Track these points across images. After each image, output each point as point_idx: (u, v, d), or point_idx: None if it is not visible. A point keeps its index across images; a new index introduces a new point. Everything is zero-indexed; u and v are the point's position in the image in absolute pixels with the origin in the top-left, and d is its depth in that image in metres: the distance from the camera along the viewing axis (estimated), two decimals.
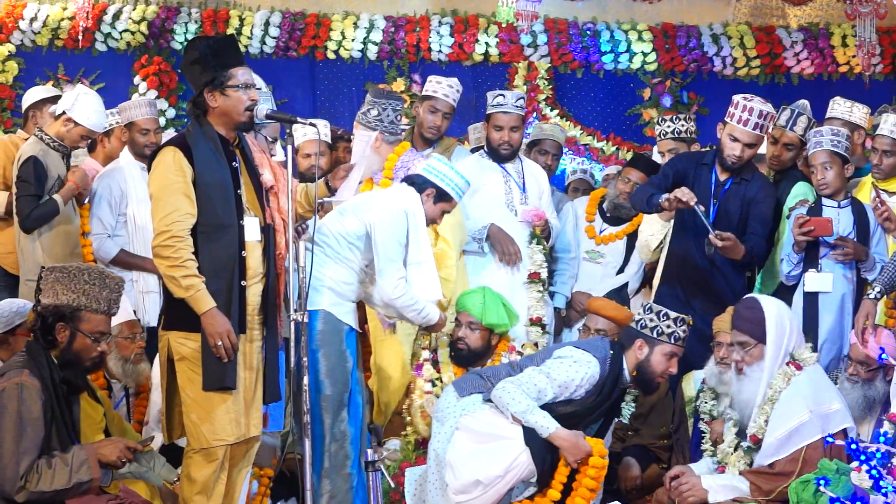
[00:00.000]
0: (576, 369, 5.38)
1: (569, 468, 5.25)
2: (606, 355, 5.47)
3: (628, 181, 7.57)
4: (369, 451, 5.05)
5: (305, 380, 4.96)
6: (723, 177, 6.41)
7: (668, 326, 5.48)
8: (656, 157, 7.55)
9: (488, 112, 7.08)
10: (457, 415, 5.41)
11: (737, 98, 6.35)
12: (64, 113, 6.73)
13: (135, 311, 6.56)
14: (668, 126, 7.16)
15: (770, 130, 6.48)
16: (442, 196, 5.89)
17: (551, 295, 7.28)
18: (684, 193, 6.06)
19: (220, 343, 4.72)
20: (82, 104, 6.76)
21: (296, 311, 4.96)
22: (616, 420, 6.08)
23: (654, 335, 5.47)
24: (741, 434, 5.23)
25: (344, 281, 5.68)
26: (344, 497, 5.55)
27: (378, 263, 5.65)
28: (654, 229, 6.94)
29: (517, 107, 7.02)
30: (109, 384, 6.15)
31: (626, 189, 7.54)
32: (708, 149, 7.04)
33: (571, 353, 5.45)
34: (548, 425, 5.23)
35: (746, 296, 5.40)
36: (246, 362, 4.89)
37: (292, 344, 5.00)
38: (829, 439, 4.64)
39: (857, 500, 4.31)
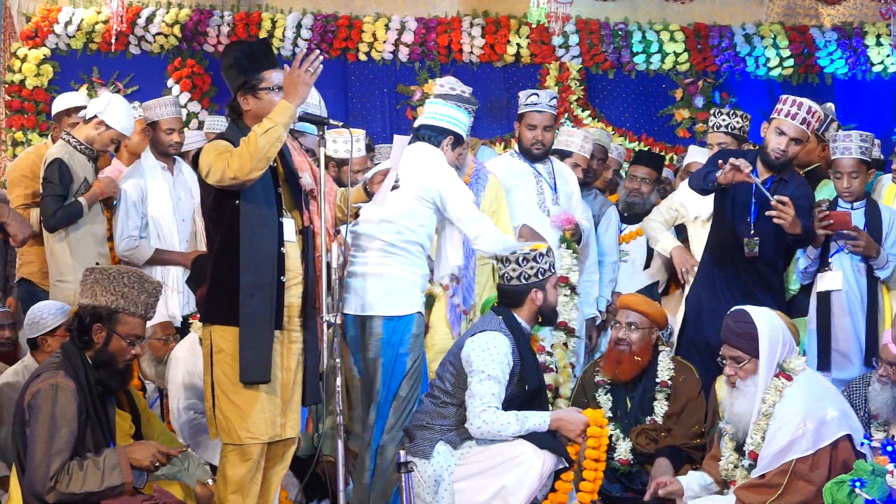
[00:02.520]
0: (496, 352, 5.33)
1: (576, 445, 5.25)
2: (499, 322, 5.46)
3: (635, 178, 7.63)
4: (402, 452, 5.05)
5: (338, 381, 4.96)
6: (763, 176, 6.34)
7: (542, 262, 5.52)
8: (701, 153, 7.55)
9: (521, 111, 7.05)
10: (445, 478, 5.33)
11: (785, 95, 6.34)
12: (95, 116, 6.76)
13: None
14: (723, 119, 7.08)
15: (813, 129, 6.41)
16: (458, 140, 5.88)
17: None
18: (741, 162, 5.97)
19: (304, 64, 4.80)
20: (114, 108, 6.79)
21: (331, 313, 4.97)
22: (649, 419, 6.09)
23: (540, 277, 5.50)
24: (739, 450, 5.17)
25: (427, 272, 5.74)
26: (387, 495, 5.55)
27: (469, 230, 5.69)
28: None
29: (550, 106, 7.00)
30: (144, 385, 6.18)
31: (635, 186, 7.63)
32: (752, 147, 7.01)
33: (479, 343, 5.37)
34: (542, 420, 5.24)
35: (736, 308, 5.27)
36: (284, 363, 4.90)
37: (323, 346, 5.01)
38: (865, 440, 4.63)
39: (893, 502, 4.29)
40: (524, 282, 5.51)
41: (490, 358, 5.30)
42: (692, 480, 5.38)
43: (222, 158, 4.73)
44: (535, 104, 6.96)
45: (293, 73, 4.81)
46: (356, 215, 5.40)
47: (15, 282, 7.18)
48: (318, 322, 5.01)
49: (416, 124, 6.04)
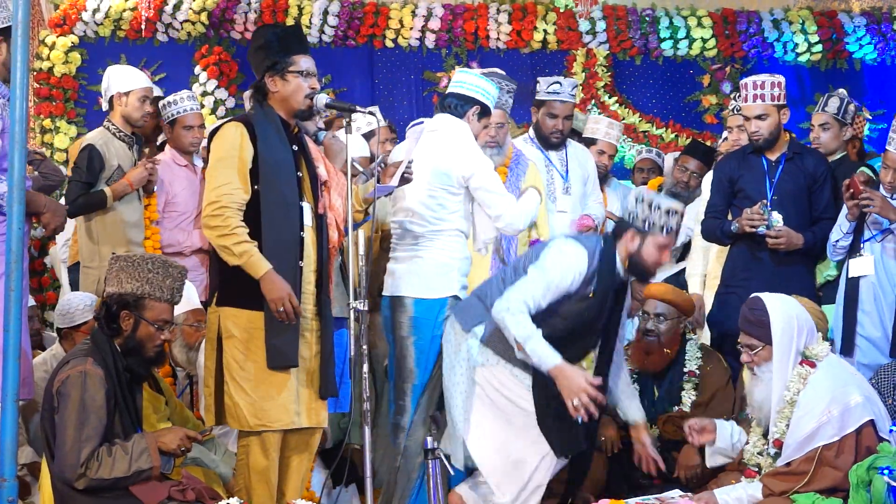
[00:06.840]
0: (568, 262, 5.15)
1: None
2: (596, 246, 5.25)
3: (685, 170, 7.54)
4: (429, 439, 5.03)
5: (365, 367, 4.96)
6: (773, 156, 6.48)
7: (661, 217, 5.25)
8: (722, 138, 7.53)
9: (542, 98, 6.96)
10: (467, 359, 5.24)
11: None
12: (112, 97, 6.65)
13: None
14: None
15: (777, 99, 6.40)
16: (485, 111, 5.68)
17: None
18: (752, 219, 6.28)
19: (281, 308, 4.69)
20: (115, 76, 6.69)
21: (357, 300, 4.97)
22: (676, 408, 6.08)
23: (646, 227, 5.27)
24: (766, 435, 5.15)
25: (468, 254, 5.65)
26: (413, 483, 5.53)
27: (490, 208, 5.55)
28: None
29: (572, 95, 6.95)
30: (174, 371, 6.20)
31: (683, 178, 7.51)
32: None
33: (562, 246, 5.21)
34: (548, 358, 4.97)
35: (752, 296, 5.22)
36: (300, 352, 4.87)
37: (351, 334, 5.01)
38: (893, 427, 4.61)
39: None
40: (630, 219, 5.29)
41: (557, 263, 5.16)
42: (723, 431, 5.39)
43: (214, 195, 4.76)
44: (558, 93, 6.89)
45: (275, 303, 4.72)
46: (366, 212, 5.33)
47: (69, 266, 7.21)
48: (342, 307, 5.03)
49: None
